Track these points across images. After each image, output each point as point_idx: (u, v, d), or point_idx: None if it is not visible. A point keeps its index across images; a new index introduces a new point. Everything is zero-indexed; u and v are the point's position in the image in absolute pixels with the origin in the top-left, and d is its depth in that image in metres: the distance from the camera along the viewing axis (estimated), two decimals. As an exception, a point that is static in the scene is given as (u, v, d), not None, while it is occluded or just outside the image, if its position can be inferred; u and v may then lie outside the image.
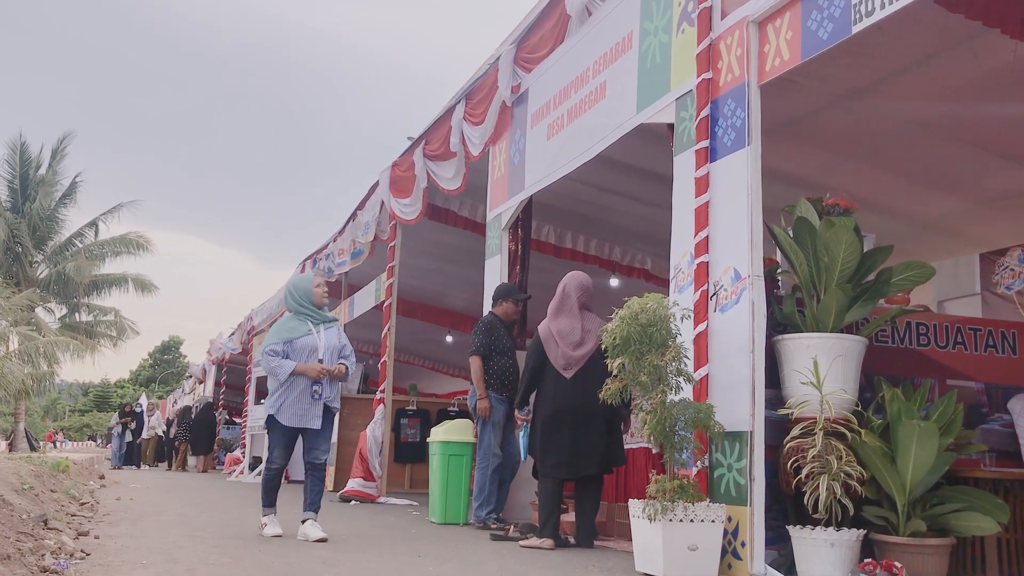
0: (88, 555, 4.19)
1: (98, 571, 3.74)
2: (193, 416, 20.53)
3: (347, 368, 5.77)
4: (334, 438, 12.82)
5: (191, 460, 22.17)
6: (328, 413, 5.76)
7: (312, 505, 5.64)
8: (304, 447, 5.78)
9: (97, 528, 5.48)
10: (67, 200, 30.84)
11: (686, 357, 4.38)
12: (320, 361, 5.64)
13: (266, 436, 8.02)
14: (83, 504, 7.11)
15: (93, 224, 31.01)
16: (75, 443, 57.71)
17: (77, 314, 31.06)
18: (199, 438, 20.13)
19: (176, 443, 21.55)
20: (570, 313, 5.58)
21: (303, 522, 5.53)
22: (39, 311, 29.46)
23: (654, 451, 4.85)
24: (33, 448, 25.93)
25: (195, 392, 27.85)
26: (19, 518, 4.45)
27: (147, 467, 21.94)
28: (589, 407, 5.28)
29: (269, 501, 5.81)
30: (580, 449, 5.39)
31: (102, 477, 12.58)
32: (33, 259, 29.92)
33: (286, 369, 5.56)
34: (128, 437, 21.63)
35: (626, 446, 5.88)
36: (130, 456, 21.35)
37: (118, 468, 19.44)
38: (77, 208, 33.52)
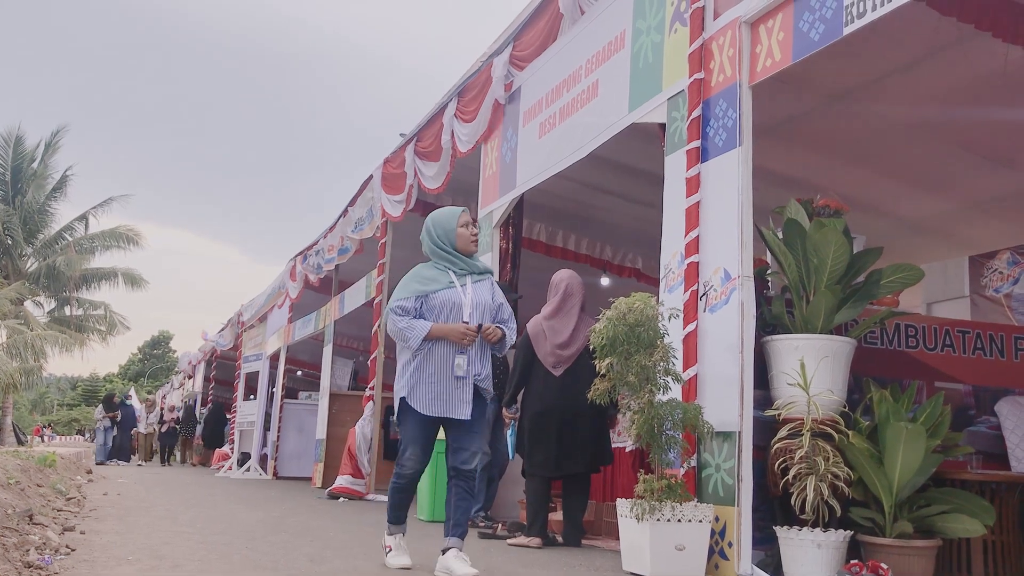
0: (73, 551, 4.17)
1: (83, 567, 3.72)
2: (208, 413, 21.77)
3: (504, 333, 4.18)
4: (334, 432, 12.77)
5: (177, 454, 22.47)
6: (480, 399, 4.20)
7: (456, 528, 4.13)
8: (447, 445, 4.23)
9: (83, 524, 5.46)
10: (57, 193, 30.74)
11: (674, 357, 4.38)
12: (466, 323, 4.14)
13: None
14: (69, 499, 7.07)
15: (83, 218, 30.92)
16: (63, 437, 57.53)
17: (67, 308, 30.95)
18: (214, 434, 21.13)
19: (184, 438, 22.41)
20: (570, 313, 5.57)
21: (444, 551, 4.08)
22: (28, 304, 29.34)
23: (631, 447, 4.86)
24: (20, 442, 25.83)
25: (183, 387, 27.79)
26: (4, 513, 4.42)
27: (145, 462, 21.77)
28: (577, 405, 5.28)
29: (396, 516, 4.31)
30: (567, 447, 5.40)
31: (89, 472, 12.54)
32: (23, 252, 29.79)
33: (418, 331, 4.04)
34: (115, 431, 21.12)
35: (613, 445, 5.88)
36: (116, 451, 20.99)
37: (103, 464, 19.18)
38: (67, 201, 33.39)
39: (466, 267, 4.26)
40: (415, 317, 4.11)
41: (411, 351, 4.11)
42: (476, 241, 4.36)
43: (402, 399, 4.12)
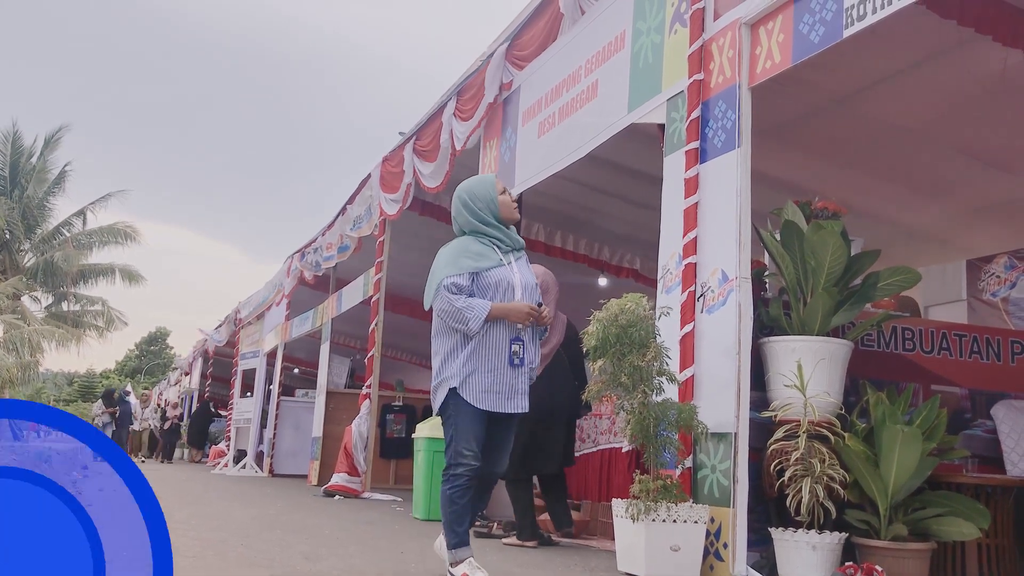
0: (68, 546, 4.17)
1: (77, 562, 3.71)
2: (192, 412, 21.66)
3: (548, 315, 3.80)
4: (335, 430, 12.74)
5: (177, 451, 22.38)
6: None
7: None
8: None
9: (78, 519, 5.45)
10: (55, 189, 30.75)
11: (668, 357, 4.37)
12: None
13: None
14: (65, 494, 7.06)
15: (81, 213, 30.91)
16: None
17: (64, 303, 30.94)
18: (196, 432, 20.95)
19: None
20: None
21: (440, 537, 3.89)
22: (25, 299, 29.34)
23: (628, 448, 4.85)
24: (16, 438, 25.75)
25: (180, 384, 27.78)
26: (-1, 508, 4.42)
27: (146, 459, 21.72)
28: (553, 405, 5.29)
29: (462, 534, 3.65)
30: (541, 447, 5.40)
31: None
32: (21, 247, 29.80)
33: (479, 312, 3.55)
34: (114, 426, 20.96)
35: (609, 445, 5.89)
36: None
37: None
38: (65, 197, 33.37)
39: (509, 242, 3.83)
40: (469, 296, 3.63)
41: (465, 335, 3.62)
42: (518, 207, 3.85)
43: (452, 390, 3.62)
